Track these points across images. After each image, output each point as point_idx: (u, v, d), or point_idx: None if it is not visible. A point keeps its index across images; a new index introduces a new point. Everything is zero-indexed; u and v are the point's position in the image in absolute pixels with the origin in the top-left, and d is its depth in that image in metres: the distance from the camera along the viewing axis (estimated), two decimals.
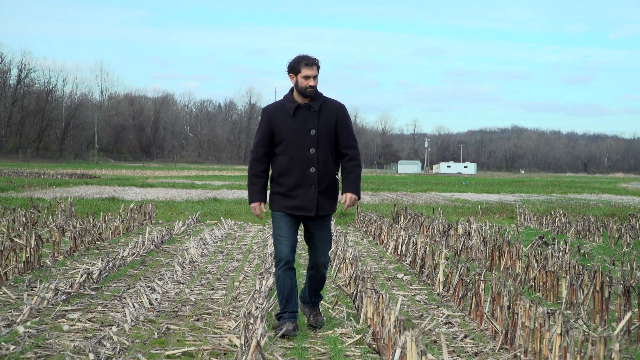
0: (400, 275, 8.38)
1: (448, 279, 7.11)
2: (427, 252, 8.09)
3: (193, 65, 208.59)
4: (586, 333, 4.29)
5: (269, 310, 5.91)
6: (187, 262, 8.80)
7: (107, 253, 9.09)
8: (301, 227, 5.62)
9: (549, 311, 4.57)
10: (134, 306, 6.03)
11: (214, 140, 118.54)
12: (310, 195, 5.38)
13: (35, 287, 6.94)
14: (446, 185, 41.61)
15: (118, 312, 5.95)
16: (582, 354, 4.08)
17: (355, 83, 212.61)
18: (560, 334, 4.25)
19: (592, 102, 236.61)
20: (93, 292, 6.81)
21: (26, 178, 33.28)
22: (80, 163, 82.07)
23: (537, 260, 7.48)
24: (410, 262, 9.07)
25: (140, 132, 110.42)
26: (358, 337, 5.23)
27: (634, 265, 6.91)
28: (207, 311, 6.14)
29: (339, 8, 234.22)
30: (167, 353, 4.76)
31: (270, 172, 5.58)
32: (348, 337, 5.31)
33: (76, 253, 9.57)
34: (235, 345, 4.92)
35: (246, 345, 4.29)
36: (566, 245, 8.71)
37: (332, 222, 14.28)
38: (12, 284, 7.23)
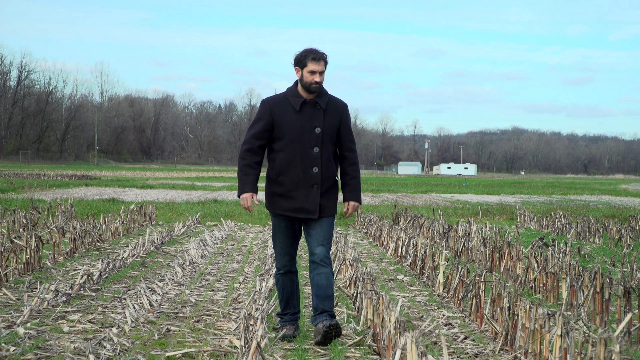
0: (400, 277, 8.38)
1: (448, 280, 7.11)
2: (427, 254, 8.09)
3: (193, 67, 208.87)
4: (586, 334, 4.28)
5: (269, 311, 5.92)
6: (188, 263, 8.80)
7: (107, 254, 9.07)
8: None
9: (549, 312, 4.58)
10: (134, 307, 6.03)
11: (214, 142, 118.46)
12: (312, 197, 5.11)
13: (36, 288, 6.94)
14: (446, 186, 41.61)
15: (118, 314, 5.95)
16: (582, 355, 4.08)
17: (355, 84, 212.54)
18: (561, 335, 4.25)
19: (593, 103, 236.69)
20: (93, 294, 6.81)
21: (26, 179, 33.27)
22: (80, 164, 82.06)
23: (537, 262, 7.48)
24: (410, 263, 9.07)
25: (140, 133, 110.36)
26: (358, 338, 5.23)
27: (634, 267, 6.92)
28: (208, 312, 6.14)
29: (339, 9, 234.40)
30: (167, 354, 4.76)
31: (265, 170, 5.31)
32: (348, 339, 5.31)
33: (76, 254, 9.57)
34: (235, 347, 4.92)
35: (246, 346, 4.30)
36: (566, 246, 8.70)
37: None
38: (13, 285, 7.23)
